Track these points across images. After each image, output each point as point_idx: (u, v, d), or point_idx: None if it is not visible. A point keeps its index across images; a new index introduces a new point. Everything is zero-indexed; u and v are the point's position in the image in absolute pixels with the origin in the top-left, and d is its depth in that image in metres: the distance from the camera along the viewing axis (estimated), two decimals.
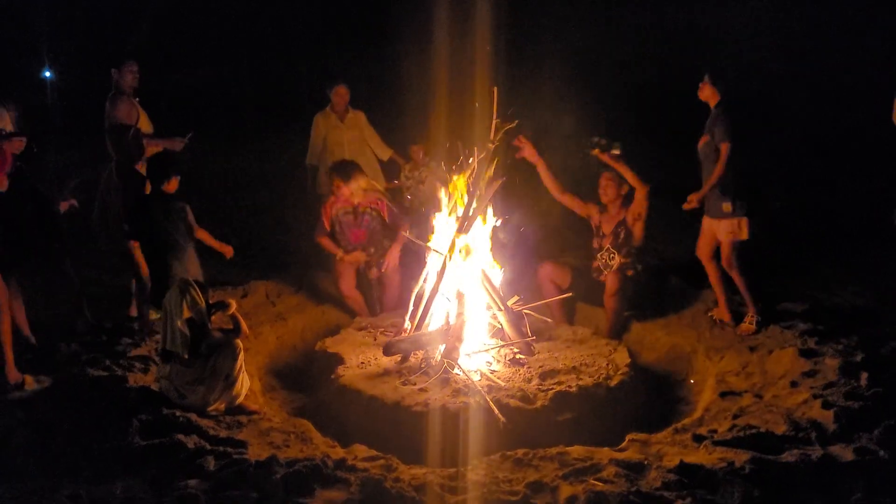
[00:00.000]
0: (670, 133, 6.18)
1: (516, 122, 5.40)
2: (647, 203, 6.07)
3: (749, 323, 5.76)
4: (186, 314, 4.45)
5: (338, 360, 5.41)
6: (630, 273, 6.15)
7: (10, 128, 5.45)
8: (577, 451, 4.06)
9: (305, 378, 5.77)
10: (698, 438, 4.16)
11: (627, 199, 6.29)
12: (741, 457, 3.77)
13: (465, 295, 5.44)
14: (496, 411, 4.52)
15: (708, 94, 5.74)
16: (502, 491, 3.62)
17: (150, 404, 4.39)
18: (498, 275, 5.63)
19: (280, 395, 5.49)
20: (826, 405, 4.31)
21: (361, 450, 4.22)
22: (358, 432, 4.78)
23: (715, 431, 4.23)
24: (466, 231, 5.38)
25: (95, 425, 4.14)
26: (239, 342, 4.65)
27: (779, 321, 5.78)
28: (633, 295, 6.25)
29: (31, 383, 4.69)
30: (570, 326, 6.07)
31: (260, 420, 4.50)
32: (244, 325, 4.81)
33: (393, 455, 4.22)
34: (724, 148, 5.62)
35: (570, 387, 4.85)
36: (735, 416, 4.48)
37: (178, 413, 4.27)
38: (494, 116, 5.23)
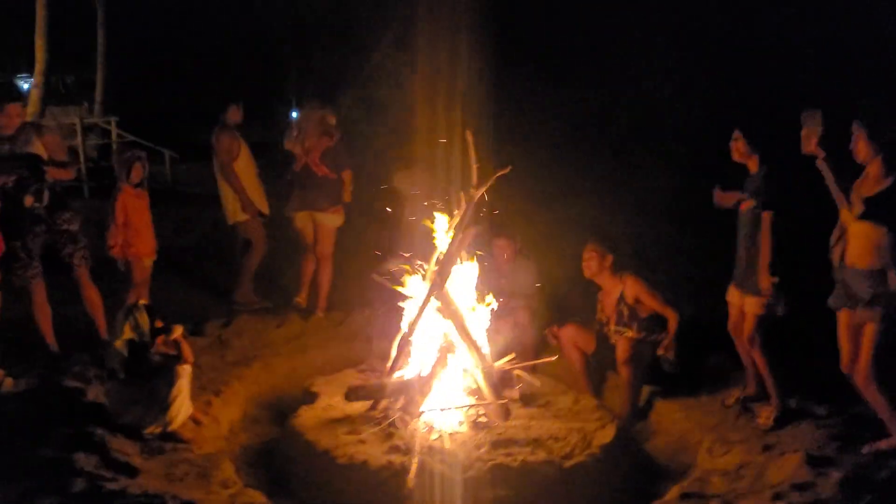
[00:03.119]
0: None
1: (509, 167, 5.06)
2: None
3: (766, 417, 4.89)
4: (128, 335, 4.58)
5: (311, 399, 5.32)
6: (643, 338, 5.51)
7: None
8: None
9: None
10: None
11: (617, 267, 5.70)
12: None
13: (443, 347, 5.15)
14: (412, 474, 4.19)
15: (743, 152, 5.01)
16: None
17: (87, 418, 4.54)
18: (482, 328, 5.26)
19: (258, 428, 5.47)
20: None
21: (250, 495, 4.07)
22: (292, 477, 4.69)
23: None
24: (444, 280, 5.08)
25: (26, 431, 4.35)
26: (181, 368, 4.69)
27: (819, 418, 4.86)
28: (659, 367, 5.56)
29: (9, 384, 5.04)
30: (573, 395, 5.49)
31: (183, 450, 4.50)
32: (187, 352, 4.85)
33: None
34: (766, 217, 4.88)
35: (514, 460, 4.39)
36: None
37: (99, 430, 4.37)
38: (473, 162, 4.93)
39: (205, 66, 21.07)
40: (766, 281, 4.90)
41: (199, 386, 5.46)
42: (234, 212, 7.26)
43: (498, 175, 5.05)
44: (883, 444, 4.35)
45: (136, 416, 4.55)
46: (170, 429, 4.61)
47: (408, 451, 4.44)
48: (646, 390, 5.67)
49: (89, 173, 14.36)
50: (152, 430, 4.59)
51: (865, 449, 4.37)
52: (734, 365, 5.64)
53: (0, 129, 5.43)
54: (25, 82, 21.04)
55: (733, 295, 5.18)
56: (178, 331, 4.84)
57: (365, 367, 5.94)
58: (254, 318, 6.84)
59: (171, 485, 4.01)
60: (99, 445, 4.23)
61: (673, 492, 4.27)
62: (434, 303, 5.14)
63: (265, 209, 7.41)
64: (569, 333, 5.92)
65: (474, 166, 4.94)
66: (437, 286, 5.08)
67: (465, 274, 5.24)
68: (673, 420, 5.39)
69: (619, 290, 5.65)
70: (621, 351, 5.47)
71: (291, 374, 6.24)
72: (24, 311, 5.70)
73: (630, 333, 5.51)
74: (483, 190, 5.05)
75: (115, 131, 16.37)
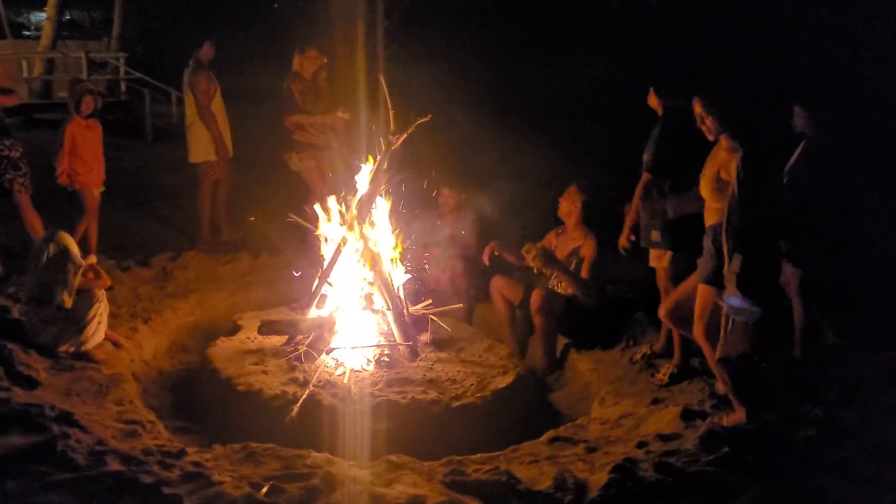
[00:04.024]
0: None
1: (429, 116, 5.15)
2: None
3: (663, 374, 5.02)
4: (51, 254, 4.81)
5: (233, 331, 5.53)
6: (557, 289, 5.65)
7: None
8: (317, 458, 3.82)
9: None
10: (456, 473, 3.74)
11: (587, 222, 5.78)
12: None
13: (358, 288, 5.33)
14: (297, 405, 4.39)
15: (654, 103, 5.11)
16: (195, 475, 3.52)
17: (4, 335, 4.77)
18: (400, 273, 5.42)
19: (183, 356, 5.71)
20: (616, 470, 3.66)
21: (139, 412, 4.30)
22: (196, 401, 4.92)
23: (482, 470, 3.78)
24: (361, 222, 5.23)
25: None
26: (97, 292, 4.91)
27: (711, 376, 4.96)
28: (578, 320, 5.68)
29: None
30: (490, 343, 5.62)
31: (92, 369, 4.73)
32: (105, 277, 5.07)
33: (190, 426, 4.32)
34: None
35: (403, 397, 4.57)
36: (532, 462, 3.96)
37: (10, 345, 4.61)
38: (390, 108, 5.03)
39: (226, 7, 21.25)
40: (655, 233, 5.10)
41: (130, 313, 5.72)
42: (204, 151, 7.35)
43: (418, 123, 5.15)
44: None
45: (52, 335, 4.79)
46: (83, 349, 4.85)
47: (305, 384, 4.64)
48: (563, 343, 5.81)
49: None
50: (66, 348, 4.82)
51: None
52: (653, 323, 5.75)
53: None
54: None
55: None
56: (91, 259, 5.06)
57: (296, 305, 6.14)
58: (202, 254, 7.04)
59: (66, 399, 4.25)
60: (6, 360, 4.47)
61: (546, 435, 4.42)
62: (351, 244, 5.30)
63: (229, 152, 7.53)
64: (497, 284, 6.05)
65: (391, 112, 5.04)
66: (354, 228, 5.24)
67: (384, 217, 5.38)
68: (582, 372, 5.52)
69: (579, 244, 5.76)
70: (534, 300, 5.59)
71: (231, 309, 6.43)
72: None
73: (563, 286, 5.68)
74: (402, 137, 5.16)
75: (122, 68, 16.57)
